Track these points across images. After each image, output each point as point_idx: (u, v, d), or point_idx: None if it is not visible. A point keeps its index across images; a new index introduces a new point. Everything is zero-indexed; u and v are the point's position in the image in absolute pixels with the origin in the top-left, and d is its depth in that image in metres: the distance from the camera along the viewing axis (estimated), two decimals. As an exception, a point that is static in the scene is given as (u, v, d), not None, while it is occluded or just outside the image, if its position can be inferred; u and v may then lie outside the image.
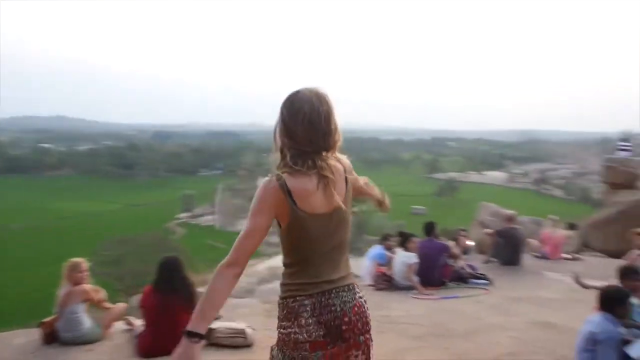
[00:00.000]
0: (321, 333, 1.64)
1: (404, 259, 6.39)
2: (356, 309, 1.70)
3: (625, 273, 3.88)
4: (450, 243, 7.38)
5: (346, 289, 1.72)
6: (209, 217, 56.58)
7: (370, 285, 6.87)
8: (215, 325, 4.14)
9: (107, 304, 4.38)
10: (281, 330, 1.70)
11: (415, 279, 6.31)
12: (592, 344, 3.11)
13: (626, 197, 12.48)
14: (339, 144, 1.75)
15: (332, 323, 1.66)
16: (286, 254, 1.76)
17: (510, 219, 8.35)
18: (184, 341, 1.52)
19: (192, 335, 1.52)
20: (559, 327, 4.38)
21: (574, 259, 9.22)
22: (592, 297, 5.74)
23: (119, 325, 4.48)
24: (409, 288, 6.37)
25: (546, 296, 5.77)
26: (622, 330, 3.25)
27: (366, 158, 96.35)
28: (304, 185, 1.66)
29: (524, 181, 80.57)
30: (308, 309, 1.66)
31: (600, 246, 11.76)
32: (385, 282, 6.60)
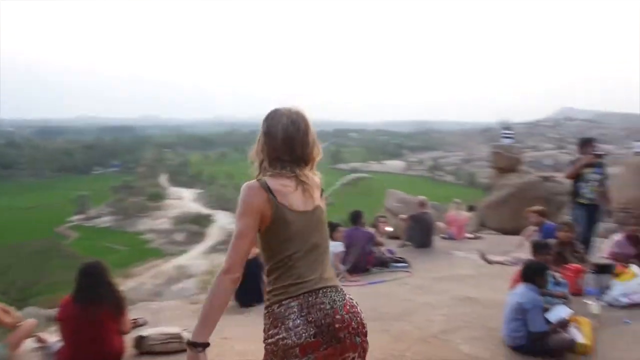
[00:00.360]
0: (312, 333, 1.57)
1: (331, 248, 6.46)
2: (348, 307, 1.65)
3: (537, 248, 4.29)
4: (371, 230, 7.62)
5: (334, 290, 1.68)
6: (106, 219, 52.68)
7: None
8: (147, 332, 3.87)
9: (19, 323, 3.86)
10: (268, 340, 1.62)
11: (342, 267, 6.44)
12: (520, 313, 3.41)
13: (514, 180, 13.88)
14: (318, 159, 1.81)
15: (322, 321, 1.59)
16: (268, 258, 1.71)
17: (422, 204, 8.84)
18: (189, 352, 1.51)
19: (196, 345, 1.50)
20: (480, 301, 4.73)
21: (476, 238, 10.05)
22: (499, 271, 6.37)
23: (29, 343, 3.99)
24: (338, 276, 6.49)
25: (461, 273, 6.22)
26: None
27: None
28: (283, 184, 1.70)
29: (419, 169, 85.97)
30: (295, 309, 1.60)
31: (496, 225, 12.99)
32: (312, 272, 6.65)
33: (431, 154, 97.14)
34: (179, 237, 45.90)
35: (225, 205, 57.57)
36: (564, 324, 3.42)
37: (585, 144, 6.15)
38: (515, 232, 11.81)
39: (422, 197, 9.28)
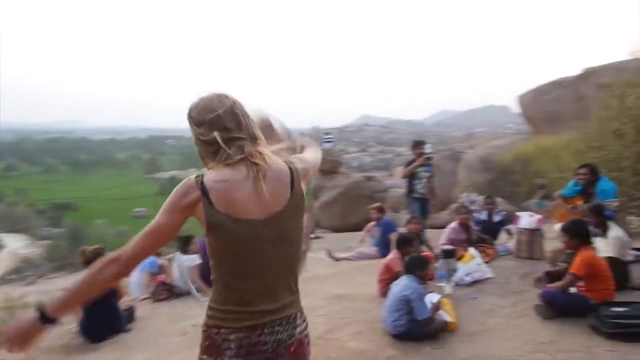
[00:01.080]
0: None
1: (187, 263, 6.01)
2: (293, 348, 1.45)
3: (402, 243, 4.69)
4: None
5: (284, 322, 1.44)
6: None
7: (146, 299, 6.23)
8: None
9: None
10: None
11: (201, 282, 6.04)
12: (403, 304, 3.66)
13: (342, 181, 15.02)
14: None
15: None
16: (212, 269, 1.44)
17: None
18: (32, 319, 1.32)
19: (45, 318, 1.32)
20: (349, 297, 4.94)
21: (317, 238, 10.55)
22: (353, 267, 6.78)
23: None
24: (191, 292, 6.07)
25: (322, 273, 6.42)
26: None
27: (73, 160, 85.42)
28: (224, 178, 1.37)
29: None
30: (232, 346, 1.37)
31: (328, 224, 13.86)
32: (165, 291, 6.08)
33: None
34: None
35: (17, 226, 48.83)
36: (437, 307, 3.81)
37: (417, 146, 6.99)
38: (346, 229, 12.80)
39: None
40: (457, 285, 4.80)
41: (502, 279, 4.96)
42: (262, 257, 1.40)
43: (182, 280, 6.10)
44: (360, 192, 13.91)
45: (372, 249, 7.55)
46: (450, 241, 5.72)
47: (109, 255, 1.36)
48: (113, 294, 4.62)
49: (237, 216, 1.36)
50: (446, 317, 3.85)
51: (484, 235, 6.01)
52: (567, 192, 5.21)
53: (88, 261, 4.53)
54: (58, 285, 9.81)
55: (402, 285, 3.73)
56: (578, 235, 3.98)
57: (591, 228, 4.21)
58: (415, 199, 6.85)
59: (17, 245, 44.41)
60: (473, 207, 12.57)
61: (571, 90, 20.71)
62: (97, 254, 4.59)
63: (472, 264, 4.90)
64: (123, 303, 4.93)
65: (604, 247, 4.36)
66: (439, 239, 6.91)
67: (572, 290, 3.92)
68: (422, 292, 3.73)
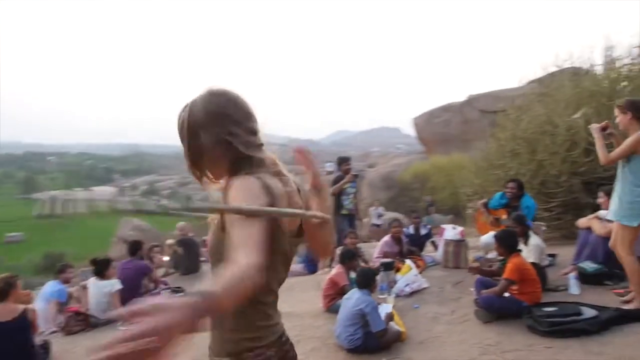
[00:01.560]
0: None
1: (105, 289, 5.47)
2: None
3: (346, 258, 4.73)
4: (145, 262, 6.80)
5: (284, 329, 1.44)
6: None
7: (54, 332, 5.52)
8: None
9: None
10: None
11: (122, 309, 5.51)
12: (358, 318, 3.67)
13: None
14: None
15: None
16: None
17: (183, 229, 8.39)
18: (194, 306, 0.73)
19: (212, 308, 0.77)
20: (295, 314, 4.82)
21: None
22: (287, 284, 6.68)
23: None
24: (110, 321, 5.50)
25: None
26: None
27: None
28: (281, 189, 1.26)
29: (133, 194, 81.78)
30: None
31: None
32: (80, 322, 5.44)
33: (145, 178, 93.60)
34: None
35: None
36: (390, 317, 3.88)
37: (343, 162, 7.14)
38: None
39: (182, 223, 8.83)
40: (398, 296, 4.94)
41: (437, 288, 5.21)
42: (286, 270, 1.38)
43: (100, 309, 5.52)
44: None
45: (298, 266, 7.50)
46: (384, 254, 5.90)
47: (246, 262, 0.92)
48: (27, 327, 4.02)
49: (283, 227, 1.28)
50: (397, 328, 3.93)
51: (412, 247, 6.30)
52: (493, 203, 5.68)
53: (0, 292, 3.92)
54: None
55: (356, 299, 3.74)
56: (508, 243, 4.34)
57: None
58: (343, 215, 6.97)
59: None
60: (380, 222, 13.20)
61: (457, 114, 22.94)
62: (9, 283, 4.00)
63: (409, 275, 5.09)
64: (37, 337, 4.31)
65: (525, 253, 4.78)
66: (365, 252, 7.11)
67: (506, 294, 4.24)
68: (375, 303, 3.79)
